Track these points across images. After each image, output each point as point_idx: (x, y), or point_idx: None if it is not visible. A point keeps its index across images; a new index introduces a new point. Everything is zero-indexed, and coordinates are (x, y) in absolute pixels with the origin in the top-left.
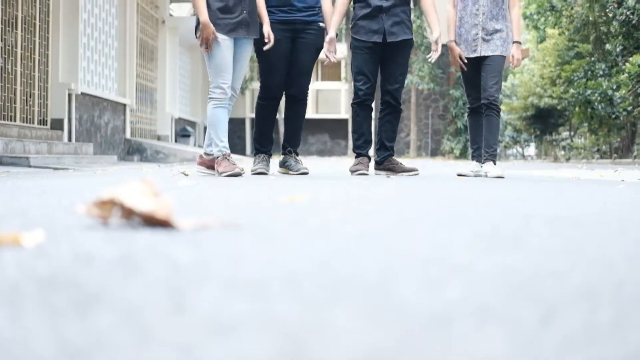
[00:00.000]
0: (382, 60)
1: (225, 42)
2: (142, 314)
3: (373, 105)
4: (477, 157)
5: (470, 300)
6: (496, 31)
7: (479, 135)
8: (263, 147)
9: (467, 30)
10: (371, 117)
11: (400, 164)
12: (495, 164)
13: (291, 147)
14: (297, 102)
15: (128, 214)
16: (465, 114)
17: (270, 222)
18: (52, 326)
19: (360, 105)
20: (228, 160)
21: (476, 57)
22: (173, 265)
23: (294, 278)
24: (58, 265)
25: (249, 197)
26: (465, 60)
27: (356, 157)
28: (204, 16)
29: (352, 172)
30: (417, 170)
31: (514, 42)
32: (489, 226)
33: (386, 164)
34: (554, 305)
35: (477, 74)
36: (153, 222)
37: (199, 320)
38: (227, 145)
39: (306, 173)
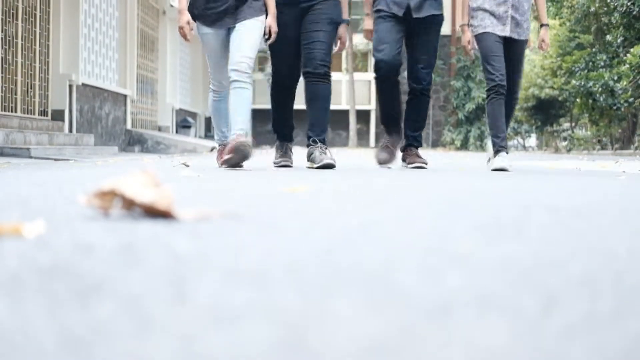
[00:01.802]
0: (408, 39)
1: (210, 34)
2: (143, 304)
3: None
4: (503, 149)
5: (471, 290)
6: (525, 12)
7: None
8: (280, 134)
9: (497, 5)
10: (398, 91)
11: (417, 157)
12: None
13: (315, 135)
14: (317, 80)
15: (129, 204)
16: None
17: (271, 213)
18: (52, 315)
19: (382, 80)
20: None
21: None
22: (174, 256)
23: (294, 268)
24: (59, 255)
25: (250, 188)
26: (476, 47)
27: (386, 134)
28: (182, 3)
29: (378, 160)
30: (424, 162)
31: (542, 25)
32: (490, 216)
33: (404, 154)
34: (554, 294)
35: (501, 49)
36: (154, 212)
37: (200, 310)
38: (228, 136)
39: (330, 166)
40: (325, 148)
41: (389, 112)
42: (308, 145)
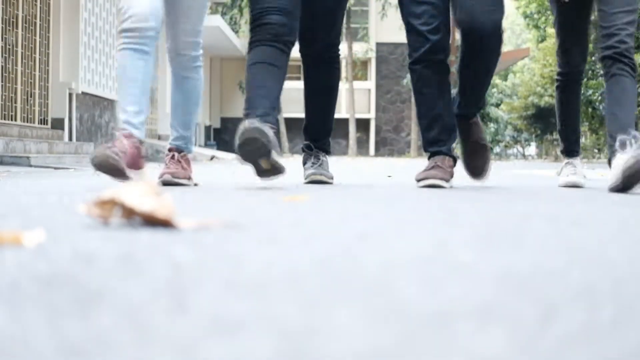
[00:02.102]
0: None
1: None
2: (143, 313)
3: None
4: (573, 152)
5: (470, 299)
6: None
7: (574, 118)
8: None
9: None
10: (448, 82)
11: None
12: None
13: (310, 139)
14: (320, 65)
15: (129, 213)
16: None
17: (271, 222)
18: (52, 325)
19: (422, 64)
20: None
21: None
22: (174, 265)
23: (294, 278)
24: (58, 264)
25: (250, 197)
26: None
27: (429, 157)
28: None
29: (418, 180)
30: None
31: None
32: (489, 226)
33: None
34: (554, 303)
35: (581, 18)
36: (154, 221)
37: (200, 320)
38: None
39: (320, 182)
40: (324, 155)
41: (438, 118)
42: (303, 151)
